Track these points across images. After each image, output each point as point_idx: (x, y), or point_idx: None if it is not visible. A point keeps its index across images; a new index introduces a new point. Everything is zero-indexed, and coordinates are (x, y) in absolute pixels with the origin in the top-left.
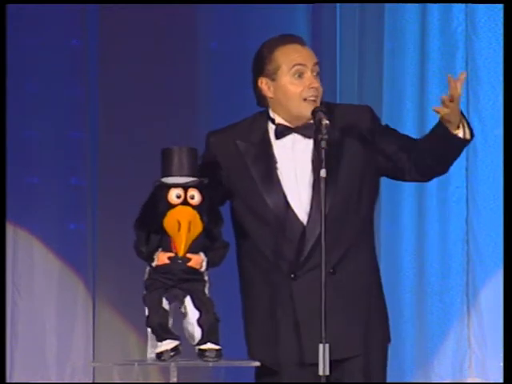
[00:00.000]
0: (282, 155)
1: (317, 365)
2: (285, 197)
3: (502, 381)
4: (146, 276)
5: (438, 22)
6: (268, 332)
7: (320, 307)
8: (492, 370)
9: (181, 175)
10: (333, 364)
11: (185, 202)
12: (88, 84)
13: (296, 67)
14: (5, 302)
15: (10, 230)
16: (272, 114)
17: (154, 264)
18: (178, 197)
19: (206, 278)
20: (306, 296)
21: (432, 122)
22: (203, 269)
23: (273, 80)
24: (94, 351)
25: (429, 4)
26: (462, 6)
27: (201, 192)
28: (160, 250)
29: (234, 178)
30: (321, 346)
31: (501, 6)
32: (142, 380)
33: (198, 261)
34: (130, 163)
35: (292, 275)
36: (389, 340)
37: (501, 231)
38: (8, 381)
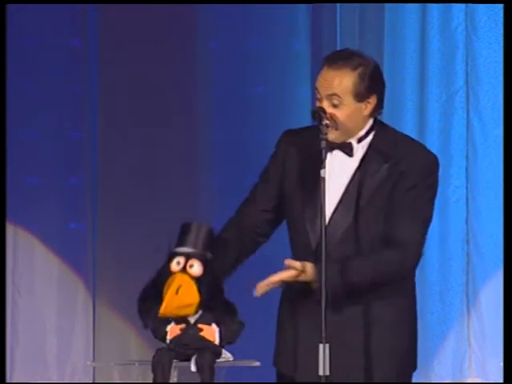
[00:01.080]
0: (327, 169)
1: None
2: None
3: (502, 381)
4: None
5: (438, 21)
6: (280, 340)
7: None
8: (492, 370)
9: (189, 247)
10: None
11: (184, 271)
12: (88, 84)
13: (316, 92)
14: (5, 302)
15: (10, 229)
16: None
17: (168, 339)
18: (178, 264)
19: (224, 353)
20: (310, 315)
21: (432, 122)
22: (217, 341)
23: None
24: (94, 351)
25: (429, 4)
26: (461, 5)
27: (203, 265)
28: (173, 323)
29: (287, 184)
30: (321, 345)
31: (501, 6)
32: (142, 380)
33: (210, 331)
34: (129, 163)
35: (299, 290)
36: (415, 368)
37: (501, 231)
38: (8, 381)
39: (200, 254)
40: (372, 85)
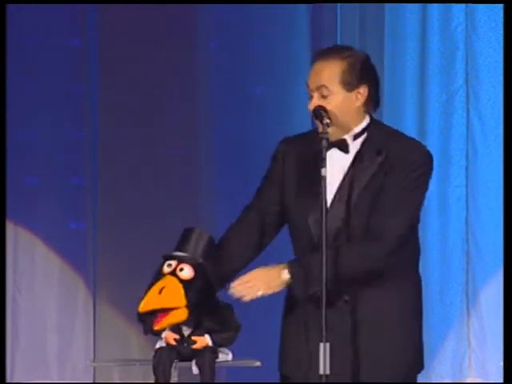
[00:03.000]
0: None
1: None
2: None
3: (501, 380)
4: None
5: (438, 21)
6: (285, 349)
7: (331, 335)
8: (492, 370)
9: (183, 252)
10: None
11: (174, 274)
12: (88, 83)
13: (308, 89)
14: (5, 301)
15: (10, 229)
16: (316, 123)
17: (162, 340)
18: (169, 267)
19: (223, 349)
20: (318, 317)
21: (432, 121)
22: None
23: None
24: (94, 350)
25: (429, 4)
26: (461, 5)
27: (194, 269)
28: (167, 330)
29: (287, 189)
30: (321, 345)
31: (500, 6)
32: (142, 380)
33: (203, 343)
34: (130, 162)
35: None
36: (421, 367)
37: (501, 230)
38: (8, 381)
39: (191, 258)
40: (362, 74)
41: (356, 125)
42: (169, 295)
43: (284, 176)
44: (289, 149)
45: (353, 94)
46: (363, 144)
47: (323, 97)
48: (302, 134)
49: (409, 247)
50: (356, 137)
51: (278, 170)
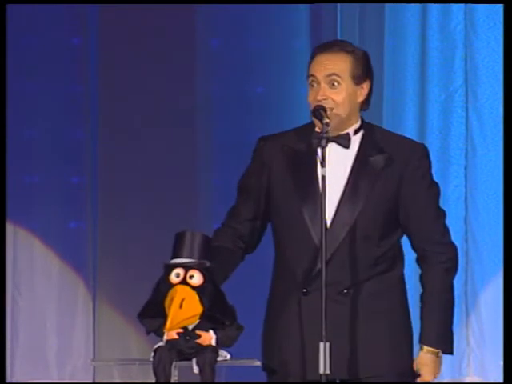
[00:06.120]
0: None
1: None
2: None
3: (500, 379)
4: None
5: (438, 21)
6: (278, 344)
7: (328, 326)
8: (491, 369)
9: (187, 257)
10: None
11: (184, 282)
12: (88, 83)
13: (310, 78)
14: (5, 301)
15: (10, 229)
16: (315, 122)
17: (164, 339)
18: (178, 276)
19: (221, 352)
20: (315, 313)
21: (431, 120)
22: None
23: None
24: (94, 350)
25: (428, 4)
26: (461, 5)
27: (203, 274)
28: None
29: (276, 186)
30: (321, 344)
31: (500, 6)
32: (142, 380)
33: (207, 338)
34: (130, 161)
35: (304, 290)
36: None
37: (500, 230)
38: (8, 381)
39: (198, 263)
40: (366, 69)
41: (355, 121)
42: (189, 306)
43: (271, 175)
44: (271, 145)
45: (358, 89)
46: (362, 141)
47: (333, 85)
48: (281, 133)
49: (399, 242)
50: (356, 132)
51: (261, 169)
